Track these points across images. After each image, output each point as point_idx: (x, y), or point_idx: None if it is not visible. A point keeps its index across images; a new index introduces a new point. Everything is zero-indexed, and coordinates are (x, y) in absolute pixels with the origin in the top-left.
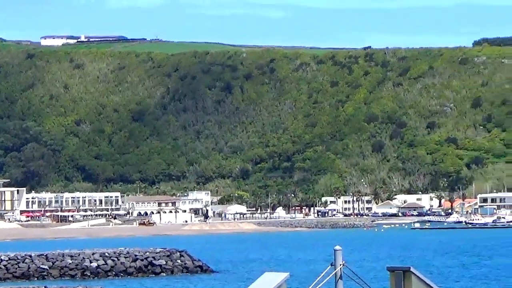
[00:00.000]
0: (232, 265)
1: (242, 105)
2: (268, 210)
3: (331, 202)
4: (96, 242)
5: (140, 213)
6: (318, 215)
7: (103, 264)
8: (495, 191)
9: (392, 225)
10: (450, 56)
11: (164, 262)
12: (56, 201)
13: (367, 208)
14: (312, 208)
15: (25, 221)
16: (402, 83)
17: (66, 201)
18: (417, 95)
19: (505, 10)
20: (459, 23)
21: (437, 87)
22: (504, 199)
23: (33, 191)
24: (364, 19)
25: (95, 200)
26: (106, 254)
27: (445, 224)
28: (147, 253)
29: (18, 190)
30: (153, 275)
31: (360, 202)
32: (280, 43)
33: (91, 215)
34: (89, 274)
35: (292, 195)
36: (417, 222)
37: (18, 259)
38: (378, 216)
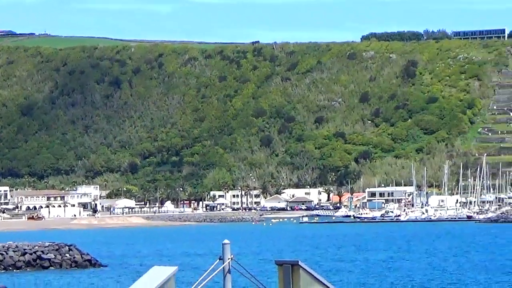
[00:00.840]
0: (121, 260)
1: (130, 99)
2: (157, 204)
3: (219, 196)
4: None
5: (29, 207)
6: (206, 209)
7: None
8: (383, 185)
9: (281, 219)
10: (338, 51)
11: (53, 256)
12: None
13: (255, 202)
14: (200, 202)
15: None
16: (291, 78)
17: None
18: (305, 90)
19: (392, 5)
20: (347, 18)
21: (325, 82)
22: (392, 193)
23: None
24: (252, 14)
25: None
26: None
27: (334, 218)
28: (36, 247)
29: None
30: (42, 269)
31: (248, 196)
32: (169, 37)
33: None
34: None
35: (181, 189)
36: (306, 216)
37: None
38: (267, 210)
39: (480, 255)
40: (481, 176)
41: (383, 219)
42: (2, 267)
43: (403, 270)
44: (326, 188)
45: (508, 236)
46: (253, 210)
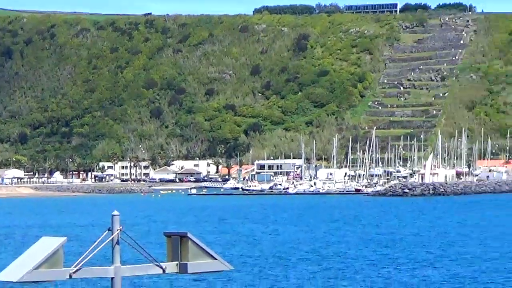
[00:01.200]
0: (9, 230)
1: (21, 70)
2: (46, 175)
3: (108, 167)
4: None
5: None
6: (95, 180)
7: None
8: (272, 158)
9: (169, 191)
10: (231, 23)
11: None
12: None
13: (144, 174)
14: (89, 173)
15: None
16: (182, 50)
17: None
18: (196, 62)
19: None
20: None
21: (216, 54)
22: (280, 166)
23: None
24: None
25: None
26: None
27: (222, 190)
28: None
29: None
30: None
31: (137, 167)
32: (61, 8)
33: None
34: None
35: (70, 160)
36: (194, 188)
37: None
38: (156, 181)
39: (362, 228)
40: (370, 150)
41: (271, 191)
42: None
43: (289, 242)
44: (215, 160)
45: (391, 209)
46: (142, 182)
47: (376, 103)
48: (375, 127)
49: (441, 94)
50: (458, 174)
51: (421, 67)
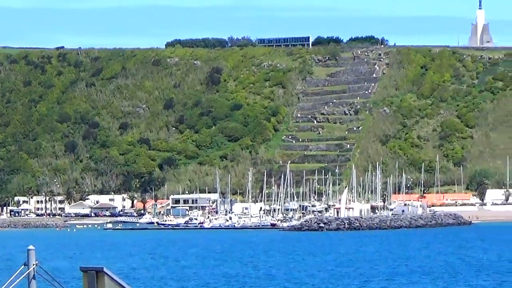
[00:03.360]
0: None
1: None
2: None
3: (23, 201)
4: None
5: None
6: (10, 214)
7: None
8: (187, 192)
9: (85, 226)
10: (143, 57)
11: None
12: None
13: (60, 208)
14: (5, 208)
15: None
16: (95, 83)
17: None
18: (110, 96)
19: (196, 12)
20: (152, 24)
21: (130, 88)
22: (196, 200)
23: None
24: (56, 19)
25: None
26: None
27: (138, 225)
28: None
29: None
30: None
31: (53, 202)
32: None
33: None
34: None
35: None
36: (110, 222)
37: None
38: (71, 216)
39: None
40: (285, 184)
41: (187, 226)
42: None
43: (196, 279)
44: (130, 195)
45: (301, 245)
46: (57, 216)
47: (290, 137)
48: (289, 161)
49: (354, 128)
50: (373, 208)
51: (335, 100)
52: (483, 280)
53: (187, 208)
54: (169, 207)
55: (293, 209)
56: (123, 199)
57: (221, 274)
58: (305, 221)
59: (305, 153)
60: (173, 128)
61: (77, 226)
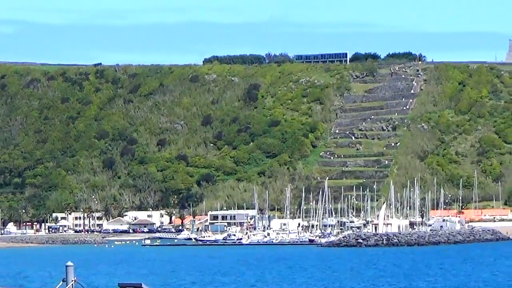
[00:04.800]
0: None
1: None
2: None
3: (62, 218)
4: None
5: None
6: (49, 231)
7: None
8: (225, 208)
9: (123, 242)
10: (181, 73)
11: None
12: None
13: (98, 225)
14: (43, 224)
15: None
16: (133, 100)
17: None
18: (147, 112)
19: (233, 28)
20: (189, 40)
21: (167, 104)
22: (234, 216)
23: None
24: (93, 35)
25: None
26: None
27: (176, 241)
28: None
29: None
30: None
31: (91, 218)
32: (11, 59)
33: None
34: None
35: (23, 211)
36: (148, 238)
37: None
38: (109, 232)
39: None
40: (323, 200)
41: (225, 242)
42: None
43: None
44: (168, 211)
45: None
46: (95, 233)
47: (328, 153)
48: (327, 177)
49: (392, 144)
50: (412, 224)
51: (372, 116)
52: None
53: (225, 224)
54: (207, 223)
55: (331, 225)
56: (161, 215)
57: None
58: (343, 237)
59: (343, 169)
60: (211, 145)
61: (115, 242)
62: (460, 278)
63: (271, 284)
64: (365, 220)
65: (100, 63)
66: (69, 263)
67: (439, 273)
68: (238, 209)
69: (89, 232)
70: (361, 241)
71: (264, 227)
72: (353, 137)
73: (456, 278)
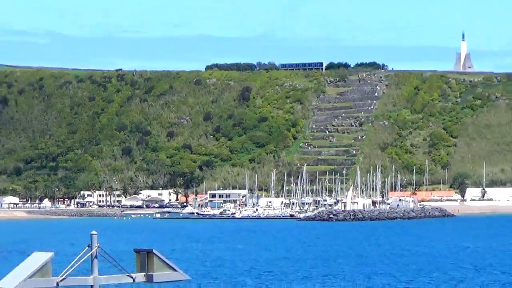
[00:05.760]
0: (5, 247)
1: (16, 115)
2: (37, 201)
3: (88, 195)
4: None
5: None
6: (77, 205)
7: None
8: (221, 188)
9: (138, 215)
10: (187, 78)
11: None
12: None
13: (117, 201)
14: (73, 200)
15: None
16: (148, 99)
17: None
18: (159, 109)
19: (231, 41)
20: (194, 51)
21: (176, 103)
22: (229, 195)
23: None
24: (115, 46)
25: None
26: None
27: (181, 215)
28: None
29: None
30: None
31: (112, 196)
32: (48, 64)
33: None
34: None
35: (57, 189)
36: (158, 213)
37: None
38: (127, 207)
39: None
40: (302, 182)
41: (221, 216)
42: None
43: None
44: (175, 190)
45: (321, 232)
46: (115, 207)
47: (306, 144)
48: (305, 164)
49: (359, 137)
50: (374, 203)
51: (343, 114)
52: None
53: (222, 201)
54: (207, 201)
55: (308, 203)
56: (169, 194)
57: (235, 249)
58: (318, 213)
59: (319, 157)
60: (211, 136)
61: (132, 215)
62: (385, 247)
63: (241, 250)
64: (336, 199)
65: (121, 69)
66: (94, 232)
67: (373, 243)
68: (232, 189)
69: (110, 207)
70: (332, 216)
71: (253, 204)
72: (327, 131)
73: (381, 247)
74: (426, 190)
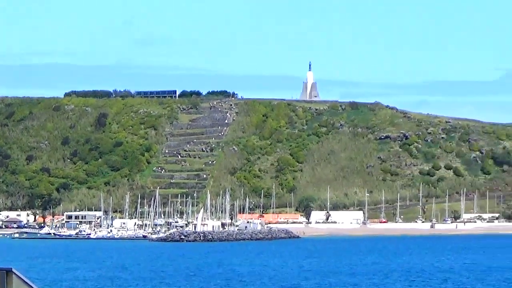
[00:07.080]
0: None
1: None
2: None
3: None
4: None
5: None
6: None
7: None
8: (78, 210)
9: None
10: (46, 104)
11: None
12: None
13: None
14: None
15: None
16: (8, 124)
17: None
18: (19, 134)
19: (88, 69)
20: (53, 78)
21: (35, 128)
22: (85, 216)
23: None
24: None
25: None
26: None
27: (39, 235)
28: None
29: None
30: None
31: None
32: None
33: None
34: None
35: None
36: (17, 233)
37: None
38: None
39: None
40: (154, 205)
41: (77, 236)
42: None
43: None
44: (34, 211)
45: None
46: None
47: (159, 168)
48: (158, 187)
49: (210, 162)
50: (223, 225)
51: (195, 140)
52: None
53: (78, 222)
54: (63, 221)
55: (161, 224)
56: (28, 215)
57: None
58: (169, 234)
59: (171, 181)
60: (69, 160)
61: None
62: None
63: (75, 265)
64: (187, 221)
65: None
66: None
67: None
68: (88, 210)
69: None
70: (183, 237)
71: (108, 225)
72: (179, 156)
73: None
74: (273, 213)
